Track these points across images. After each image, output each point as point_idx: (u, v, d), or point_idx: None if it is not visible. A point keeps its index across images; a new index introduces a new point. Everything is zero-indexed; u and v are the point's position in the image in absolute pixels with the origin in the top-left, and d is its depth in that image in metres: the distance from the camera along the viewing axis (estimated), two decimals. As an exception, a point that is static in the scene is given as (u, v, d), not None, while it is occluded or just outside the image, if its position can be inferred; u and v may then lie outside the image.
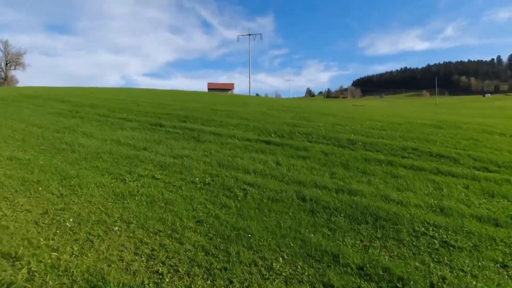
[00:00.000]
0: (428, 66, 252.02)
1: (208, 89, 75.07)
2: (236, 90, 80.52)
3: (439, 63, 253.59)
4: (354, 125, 10.29)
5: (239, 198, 4.51)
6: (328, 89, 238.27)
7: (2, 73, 56.61)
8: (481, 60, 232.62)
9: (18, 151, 6.38)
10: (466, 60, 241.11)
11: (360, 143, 8.07)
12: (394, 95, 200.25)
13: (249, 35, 63.76)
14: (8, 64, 56.20)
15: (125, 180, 5.01)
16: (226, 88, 74.81)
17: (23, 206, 3.77)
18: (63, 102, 14.96)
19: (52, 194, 4.19)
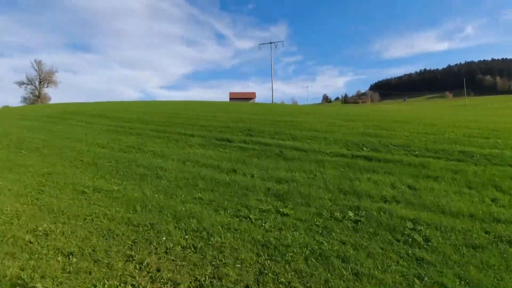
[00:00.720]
0: (449, 67, 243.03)
1: (230, 98, 74.82)
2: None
3: (460, 63, 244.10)
4: (445, 133, 8.93)
5: (425, 246, 3.28)
6: (345, 94, 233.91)
7: (36, 91, 58.65)
8: (506, 58, 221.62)
9: (98, 179, 5.48)
10: (489, 59, 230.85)
11: (478, 156, 6.72)
12: (415, 97, 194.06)
13: (271, 43, 63.28)
14: (42, 82, 58.24)
15: (250, 219, 3.92)
16: (248, 97, 74.28)
17: (161, 275, 2.72)
18: (108, 118, 14.38)
19: (183, 247, 3.13)
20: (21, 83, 57.36)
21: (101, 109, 18.99)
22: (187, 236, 3.34)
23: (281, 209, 4.24)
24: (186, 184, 5.21)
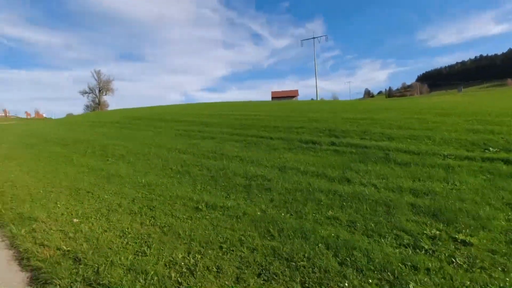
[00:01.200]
0: (510, 51, 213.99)
1: (272, 97, 74.10)
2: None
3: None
4: None
5: None
6: (390, 87, 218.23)
7: (96, 99, 64.06)
8: None
9: (202, 192, 4.93)
10: None
11: None
12: (471, 87, 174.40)
13: (313, 38, 61.11)
14: (101, 91, 63.50)
15: (424, 249, 2.94)
16: (291, 96, 72.85)
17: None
18: (173, 121, 14.40)
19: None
20: (83, 92, 63.15)
21: (158, 113, 19.37)
22: (370, 280, 2.49)
23: (454, 235, 3.20)
24: (306, 199, 4.40)
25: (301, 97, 74.41)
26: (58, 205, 4.39)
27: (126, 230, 3.50)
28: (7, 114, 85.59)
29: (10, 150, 9.96)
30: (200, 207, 4.16)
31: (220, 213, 3.98)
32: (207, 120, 13.66)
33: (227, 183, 5.28)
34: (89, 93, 63.45)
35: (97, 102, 63.50)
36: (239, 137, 9.47)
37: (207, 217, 3.84)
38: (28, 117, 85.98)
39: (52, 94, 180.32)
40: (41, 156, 8.70)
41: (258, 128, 10.42)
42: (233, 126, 11.50)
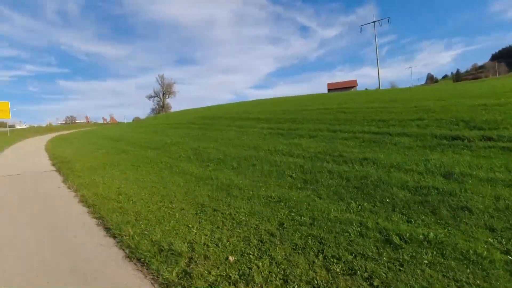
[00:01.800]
0: None
1: (328, 89, 70.63)
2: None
3: None
4: None
5: None
6: (457, 70, 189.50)
7: (161, 102, 68.71)
8: None
9: (360, 212, 3.68)
10: None
11: None
12: None
13: (374, 22, 55.86)
14: (164, 94, 67.96)
15: None
16: (349, 86, 68.35)
17: None
18: (251, 119, 13.59)
19: None
20: (149, 96, 68.24)
21: (228, 111, 18.89)
22: None
23: None
24: None
25: (358, 87, 69.07)
26: (194, 230, 3.57)
27: (315, 280, 2.40)
28: (89, 120, 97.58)
29: (108, 156, 10.11)
30: (396, 241, 2.89)
31: (416, 244, 2.66)
32: (289, 116, 12.51)
33: (389, 199, 3.94)
34: (154, 97, 68.35)
35: (161, 105, 67.99)
36: (344, 134, 8.06)
37: (401, 251, 2.56)
38: (105, 122, 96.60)
39: (121, 100, 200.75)
40: (137, 162, 8.48)
41: (360, 123, 8.87)
42: (326, 121, 10.12)
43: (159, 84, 67.74)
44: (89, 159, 9.81)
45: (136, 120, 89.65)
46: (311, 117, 11.28)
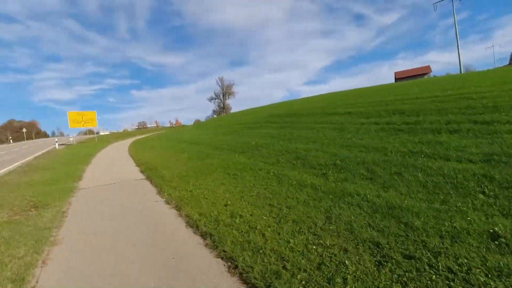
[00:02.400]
0: None
1: (396, 78, 63.92)
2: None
3: None
4: None
5: None
6: None
7: (221, 103, 70.58)
8: None
9: None
10: None
11: None
12: None
13: (454, -5, 47.96)
14: (225, 95, 69.68)
15: None
16: (421, 73, 60.61)
17: None
18: (339, 115, 11.69)
19: None
20: (210, 99, 70.65)
21: (301, 108, 17.20)
22: None
23: None
24: None
25: (431, 73, 60.66)
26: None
27: None
28: (158, 125, 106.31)
29: (193, 162, 9.36)
30: None
31: None
32: (392, 108, 10.30)
33: None
34: (215, 99, 70.46)
35: (222, 106, 69.73)
36: (491, 126, 5.72)
37: None
38: (171, 125, 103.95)
39: (183, 104, 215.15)
40: (230, 169, 7.38)
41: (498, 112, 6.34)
42: (454, 111, 7.73)
43: (219, 86, 69.64)
44: (176, 165, 9.16)
45: (197, 122, 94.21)
46: (425, 107, 8.91)
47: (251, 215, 4.17)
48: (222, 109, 69.75)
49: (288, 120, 14.02)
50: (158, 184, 7.01)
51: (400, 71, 69.48)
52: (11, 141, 56.57)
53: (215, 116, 72.16)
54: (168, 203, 5.45)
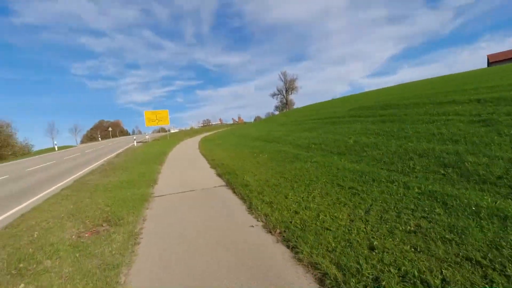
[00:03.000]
0: None
1: (490, 62, 53.32)
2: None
3: None
4: None
5: None
6: None
7: (284, 99, 68.74)
8: None
9: None
10: None
11: None
12: None
13: None
14: (287, 90, 67.59)
15: None
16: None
17: None
18: (458, 104, 8.67)
19: None
20: (273, 94, 69.28)
21: (389, 99, 14.12)
22: None
23: None
24: None
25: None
26: None
27: None
28: (221, 122, 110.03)
29: (277, 164, 7.68)
30: None
31: None
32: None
33: None
34: (278, 94, 68.80)
35: (285, 101, 67.74)
36: None
37: None
38: (234, 122, 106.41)
39: (243, 102, 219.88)
40: (339, 178, 5.44)
41: None
42: None
43: (282, 80, 67.64)
44: (258, 169, 7.60)
45: (258, 118, 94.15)
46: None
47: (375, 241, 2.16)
48: (285, 104, 67.70)
49: (385, 113, 11.34)
50: (245, 195, 5.46)
51: (493, 54, 58.02)
52: (99, 139, 64.36)
53: (277, 112, 70.66)
54: (270, 232, 3.76)
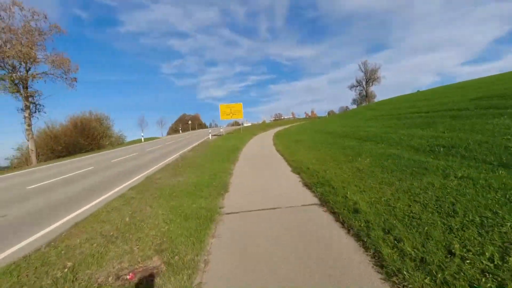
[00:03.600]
0: None
1: None
2: None
3: None
4: None
5: None
6: None
7: (363, 91, 62.28)
8: None
9: None
10: None
11: None
12: None
13: None
14: (368, 82, 60.85)
15: None
16: None
17: None
18: None
19: None
20: (351, 86, 63.28)
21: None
22: None
23: None
24: None
25: None
26: None
27: None
28: (294, 116, 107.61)
29: (392, 175, 5.23)
30: None
31: None
32: None
33: None
34: (356, 86, 62.54)
35: (365, 94, 61.14)
36: None
37: None
38: (307, 116, 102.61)
39: (314, 96, 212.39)
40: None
41: None
42: None
43: (362, 71, 61.02)
44: (361, 180, 5.34)
45: (331, 113, 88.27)
46: None
47: None
48: (365, 97, 61.10)
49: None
50: (362, 234, 3.34)
51: None
52: (180, 131, 69.67)
53: (354, 106, 64.52)
54: None
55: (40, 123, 52.06)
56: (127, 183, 8.34)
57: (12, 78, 19.19)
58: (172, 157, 14.14)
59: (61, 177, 10.69)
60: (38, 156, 22.41)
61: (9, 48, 17.99)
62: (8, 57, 18.21)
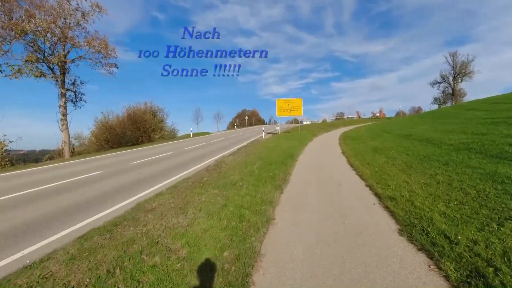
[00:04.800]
0: None
1: None
2: None
3: None
4: None
5: None
6: None
7: (449, 88, 52.28)
8: None
9: None
10: None
11: None
12: None
13: None
14: (456, 77, 50.73)
15: None
16: None
17: None
18: None
19: None
20: (434, 83, 53.69)
21: None
22: None
23: None
24: None
25: None
26: None
27: None
28: (359, 115, 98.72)
29: None
30: None
31: None
32: None
33: None
34: (441, 83, 52.73)
35: (451, 91, 51.09)
36: None
37: None
38: (374, 116, 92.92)
39: (381, 94, 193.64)
40: None
41: None
42: None
43: (450, 64, 50.90)
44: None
45: (401, 114, 77.58)
46: None
47: None
48: (451, 95, 51.11)
49: None
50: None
51: None
52: (235, 127, 68.47)
53: (435, 106, 54.82)
54: None
55: (96, 113, 54.67)
56: (132, 198, 6.03)
57: (42, 61, 17.65)
58: (205, 162, 11.58)
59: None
60: (73, 149, 20.59)
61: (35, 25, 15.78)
62: (39, 33, 16.17)
